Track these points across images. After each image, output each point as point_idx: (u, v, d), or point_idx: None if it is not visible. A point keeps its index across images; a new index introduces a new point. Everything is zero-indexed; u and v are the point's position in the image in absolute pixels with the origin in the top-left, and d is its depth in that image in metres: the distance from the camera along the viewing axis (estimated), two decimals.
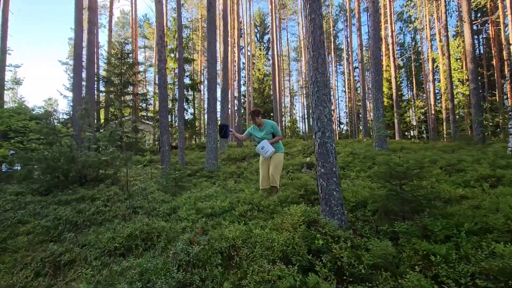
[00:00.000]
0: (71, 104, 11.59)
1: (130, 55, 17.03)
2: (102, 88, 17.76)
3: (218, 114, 8.69)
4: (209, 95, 8.25)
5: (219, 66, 20.86)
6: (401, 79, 30.41)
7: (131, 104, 18.62)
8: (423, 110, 22.84)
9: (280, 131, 4.29)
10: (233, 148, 12.72)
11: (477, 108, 9.78)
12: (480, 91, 20.79)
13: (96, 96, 17.99)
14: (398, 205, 2.72)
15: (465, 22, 10.28)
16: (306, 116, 34.20)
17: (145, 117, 22.51)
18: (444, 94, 22.65)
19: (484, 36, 27.52)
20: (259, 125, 4.29)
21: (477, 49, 30.73)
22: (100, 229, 3.22)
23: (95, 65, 13.93)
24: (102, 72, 18.10)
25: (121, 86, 15.38)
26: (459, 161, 5.57)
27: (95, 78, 15.37)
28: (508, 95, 15.85)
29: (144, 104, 21.75)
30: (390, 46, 20.07)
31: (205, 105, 42.12)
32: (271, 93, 33.88)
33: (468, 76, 11.20)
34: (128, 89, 17.50)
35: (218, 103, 8.96)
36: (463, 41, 15.17)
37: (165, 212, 4.03)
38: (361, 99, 15.48)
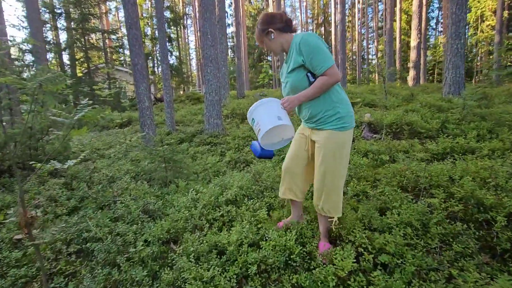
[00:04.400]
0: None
1: None
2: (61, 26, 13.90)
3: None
4: (205, 23, 5.43)
5: None
6: None
7: (101, 46, 15.02)
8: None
9: (329, 61, 1.44)
10: (235, 99, 10.17)
11: None
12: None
13: (54, 35, 14.28)
14: None
15: None
16: None
17: (122, 63, 18.97)
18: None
19: None
20: (284, 52, 1.67)
21: None
22: None
23: None
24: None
25: (81, 19, 11.75)
26: None
27: (43, 9, 11.65)
28: None
29: (121, 50, 17.95)
30: None
31: (190, 46, 37.15)
32: None
33: None
34: (94, 25, 13.74)
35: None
36: None
37: (149, 256, 1.82)
38: (387, 32, 12.46)
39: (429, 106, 4.53)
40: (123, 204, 2.51)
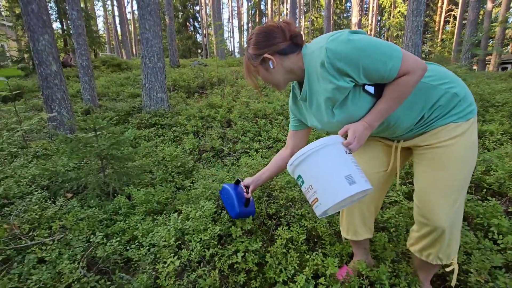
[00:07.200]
0: None
1: None
2: None
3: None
4: None
5: None
6: None
7: None
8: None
9: (395, 52, 0.78)
10: (172, 67, 8.48)
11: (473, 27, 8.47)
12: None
13: None
14: None
15: None
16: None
17: None
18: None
19: None
20: (294, 80, 1.00)
21: None
22: None
23: None
24: None
25: None
26: None
27: None
28: None
29: None
30: None
31: None
32: None
33: None
34: None
35: None
36: None
37: None
38: (326, 7, 12.43)
39: None
40: (40, 256, 1.32)
